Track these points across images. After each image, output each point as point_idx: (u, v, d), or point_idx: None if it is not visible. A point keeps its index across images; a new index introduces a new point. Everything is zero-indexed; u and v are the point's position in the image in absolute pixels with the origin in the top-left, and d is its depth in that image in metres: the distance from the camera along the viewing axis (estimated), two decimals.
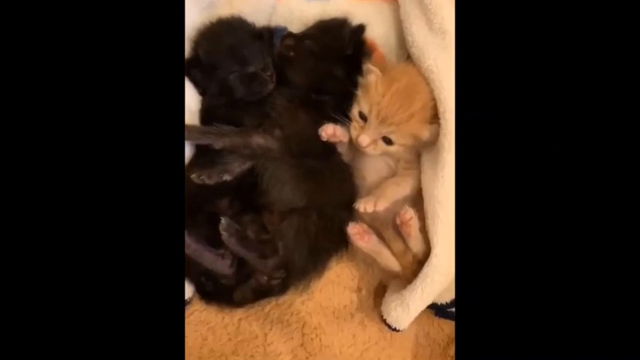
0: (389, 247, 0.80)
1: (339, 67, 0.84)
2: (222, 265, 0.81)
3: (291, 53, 0.87)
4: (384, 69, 0.80)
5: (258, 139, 0.81)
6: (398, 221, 0.76)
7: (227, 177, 0.80)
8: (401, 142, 0.78)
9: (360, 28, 0.86)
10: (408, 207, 0.76)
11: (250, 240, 0.79)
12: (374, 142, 0.78)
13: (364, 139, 0.77)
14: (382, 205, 0.76)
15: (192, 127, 0.82)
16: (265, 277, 0.78)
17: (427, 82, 0.77)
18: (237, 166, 0.81)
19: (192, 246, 0.79)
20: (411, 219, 0.75)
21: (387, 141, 0.78)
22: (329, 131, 0.80)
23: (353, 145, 0.82)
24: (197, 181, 0.78)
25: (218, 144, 0.80)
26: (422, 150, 0.82)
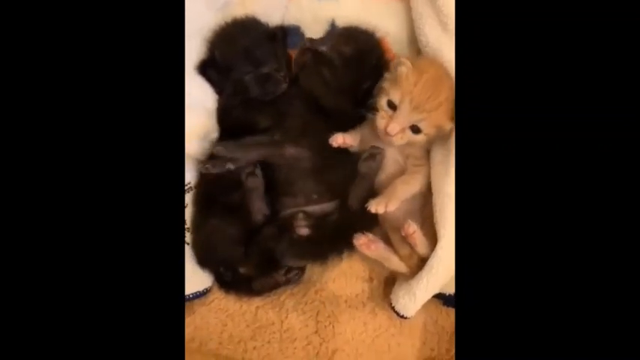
0: (396, 250, 0.84)
1: (357, 77, 0.85)
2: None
3: (307, 62, 0.88)
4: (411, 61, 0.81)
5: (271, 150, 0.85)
6: (403, 233, 0.80)
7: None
8: (427, 130, 0.79)
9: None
10: (410, 221, 0.79)
11: None
12: (402, 130, 0.78)
13: (394, 127, 0.77)
14: (393, 206, 0.78)
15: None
16: (283, 278, 0.82)
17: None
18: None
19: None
20: (414, 232, 0.78)
21: (415, 130, 0.79)
22: (339, 140, 0.83)
23: (363, 144, 0.85)
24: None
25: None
26: (432, 147, 0.85)
